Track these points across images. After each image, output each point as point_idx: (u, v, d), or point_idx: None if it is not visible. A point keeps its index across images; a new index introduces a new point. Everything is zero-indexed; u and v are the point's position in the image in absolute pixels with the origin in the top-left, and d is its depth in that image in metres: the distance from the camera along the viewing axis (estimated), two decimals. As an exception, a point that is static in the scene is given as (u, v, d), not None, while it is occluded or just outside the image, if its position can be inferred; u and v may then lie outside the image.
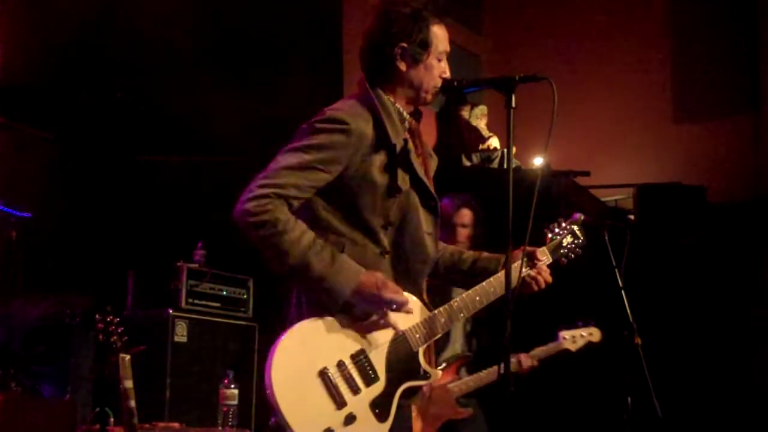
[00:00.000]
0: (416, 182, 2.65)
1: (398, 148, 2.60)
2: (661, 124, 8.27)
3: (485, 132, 7.32)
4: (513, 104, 2.51)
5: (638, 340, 3.98)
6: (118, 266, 5.34)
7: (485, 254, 2.88)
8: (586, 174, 6.73)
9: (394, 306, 2.52)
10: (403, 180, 2.61)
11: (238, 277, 5.50)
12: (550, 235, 2.94)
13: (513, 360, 4.11)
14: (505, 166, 2.59)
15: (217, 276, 5.34)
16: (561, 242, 2.94)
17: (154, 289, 5.17)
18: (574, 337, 4.26)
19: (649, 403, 3.89)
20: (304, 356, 2.45)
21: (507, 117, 2.51)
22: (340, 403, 2.45)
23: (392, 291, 2.51)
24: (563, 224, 2.96)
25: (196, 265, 5.27)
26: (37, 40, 5.42)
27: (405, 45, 2.64)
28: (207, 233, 5.46)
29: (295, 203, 2.50)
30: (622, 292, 4.07)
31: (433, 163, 2.85)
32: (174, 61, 5.84)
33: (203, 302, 5.24)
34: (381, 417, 2.52)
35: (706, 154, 7.88)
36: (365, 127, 2.56)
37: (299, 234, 2.45)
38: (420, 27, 2.66)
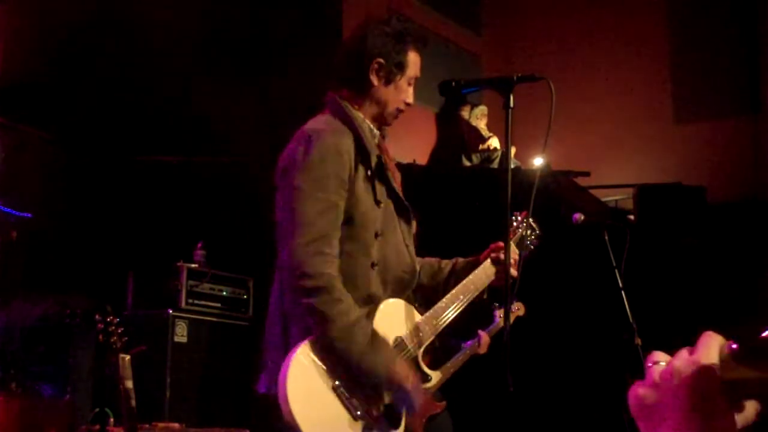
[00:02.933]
0: (392, 194, 2.70)
1: (374, 162, 2.64)
2: (661, 124, 8.27)
3: (485, 132, 7.33)
4: (511, 104, 2.52)
5: (638, 341, 3.98)
6: (118, 266, 5.34)
7: (461, 259, 2.95)
8: (586, 174, 6.73)
9: (403, 398, 2.55)
10: (381, 192, 2.65)
11: (238, 277, 5.50)
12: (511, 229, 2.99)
13: (474, 341, 4.15)
14: (505, 166, 2.60)
15: (217, 276, 5.34)
16: (523, 235, 3.02)
17: (154, 289, 5.17)
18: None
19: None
20: (318, 373, 2.48)
21: (505, 117, 2.52)
22: (356, 415, 2.48)
23: (415, 388, 2.56)
24: (519, 218, 3.02)
25: (196, 265, 5.27)
26: (37, 40, 5.42)
27: (381, 61, 2.67)
28: (207, 233, 5.46)
29: (338, 245, 2.53)
30: (622, 292, 4.07)
31: (398, 177, 2.88)
32: (174, 61, 5.84)
33: (203, 302, 5.23)
34: (394, 424, 2.56)
35: (706, 154, 7.89)
36: (349, 142, 2.60)
37: (347, 307, 2.47)
38: (399, 49, 2.71)
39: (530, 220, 3.04)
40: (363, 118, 2.69)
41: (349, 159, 2.57)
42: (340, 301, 2.45)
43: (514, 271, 2.84)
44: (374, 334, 2.50)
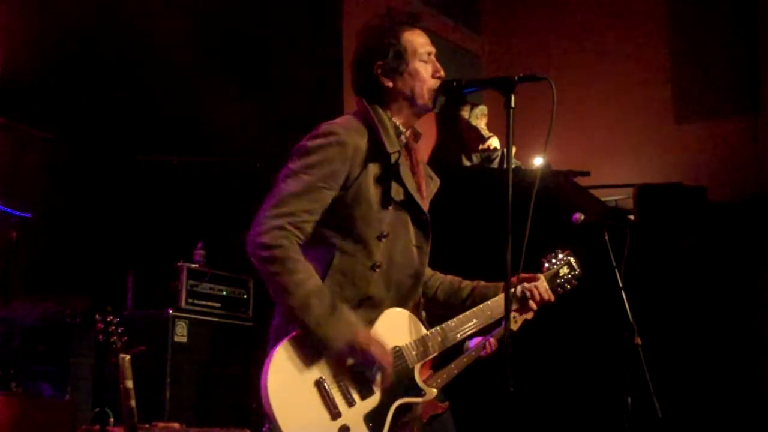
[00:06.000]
0: (407, 196, 2.66)
1: (392, 159, 2.62)
2: (661, 124, 8.27)
3: (485, 132, 7.31)
4: (512, 104, 2.51)
5: (638, 341, 3.98)
6: (118, 266, 5.34)
7: (483, 283, 2.91)
8: (586, 174, 6.72)
9: (376, 368, 2.51)
10: (397, 192, 2.63)
11: (238, 277, 5.51)
12: (547, 265, 2.95)
13: (479, 343, 4.16)
14: (505, 166, 2.59)
15: (217, 276, 5.34)
16: (557, 272, 2.97)
17: (154, 289, 5.17)
18: (515, 317, 4.24)
19: (649, 403, 3.89)
20: (301, 365, 2.45)
21: (506, 117, 2.51)
22: (334, 414, 2.46)
23: (381, 352, 2.51)
24: (560, 255, 2.98)
25: (196, 265, 5.27)
26: (38, 39, 5.42)
27: (381, 62, 2.66)
28: (207, 233, 5.46)
29: (309, 227, 2.52)
30: (622, 292, 4.07)
31: (434, 186, 2.85)
32: (174, 61, 5.84)
33: (203, 302, 5.24)
34: (374, 431, 2.52)
35: (706, 154, 7.89)
36: (359, 139, 2.58)
37: (305, 277, 2.46)
38: (389, 40, 2.68)
39: (571, 258, 2.99)
40: (390, 117, 2.68)
41: (353, 154, 2.55)
42: (295, 272, 2.44)
43: (545, 294, 2.83)
44: (335, 305, 2.47)
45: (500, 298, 2.78)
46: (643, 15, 8.51)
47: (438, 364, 4.18)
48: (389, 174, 2.62)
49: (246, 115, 5.92)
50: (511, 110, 2.50)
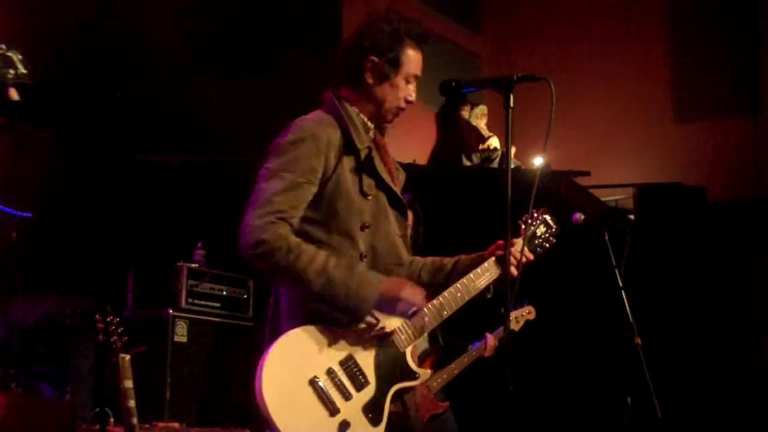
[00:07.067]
0: (383, 187, 2.69)
1: (363, 155, 2.64)
2: (661, 124, 8.28)
3: (485, 132, 7.32)
4: (511, 104, 2.51)
5: (638, 341, 3.99)
6: (118, 266, 5.34)
7: (464, 257, 2.90)
8: (586, 174, 6.73)
9: (412, 307, 2.57)
10: (369, 185, 2.64)
11: (238, 277, 5.50)
12: (523, 227, 2.94)
13: (481, 343, 4.18)
14: (505, 166, 2.59)
15: (217, 276, 5.34)
16: (535, 232, 2.95)
17: (154, 289, 5.17)
18: (517, 318, 4.29)
19: (649, 403, 3.89)
20: (293, 367, 2.46)
21: (505, 117, 2.51)
22: (333, 410, 2.47)
23: (412, 292, 2.58)
24: (535, 215, 2.97)
25: (196, 265, 5.27)
26: (38, 40, 5.41)
27: (375, 59, 2.68)
28: (207, 233, 5.46)
29: (295, 222, 2.54)
30: (622, 292, 4.07)
31: (402, 176, 2.87)
32: (174, 61, 5.84)
33: (203, 302, 5.23)
34: (374, 421, 2.53)
35: (707, 154, 7.90)
36: (332, 132, 2.61)
37: (312, 254, 2.48)
38: (394, 45, 2.69)
39: (547, 217, 2.98)
40: (357, 113, 2.70)
41: (327, 148, 2.58)
42: (303, 252, 2.46)
43: (514, 270, 2.80)
44: (350, 265, 2.51)
45: (482, 269, 2.78)
46: (643, 15, 8.52)
47: (439, 364, 4.19)
48: (361, 168, 2.65)
49: (245, 114, 5.92)
50: (510, 110, 2.51)
